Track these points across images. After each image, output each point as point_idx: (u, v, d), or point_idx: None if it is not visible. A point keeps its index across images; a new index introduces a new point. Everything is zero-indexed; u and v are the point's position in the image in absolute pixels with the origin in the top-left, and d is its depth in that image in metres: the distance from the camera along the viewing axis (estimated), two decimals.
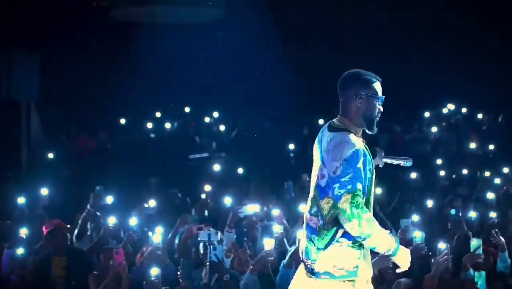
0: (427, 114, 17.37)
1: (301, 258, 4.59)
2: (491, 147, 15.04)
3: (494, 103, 16.99)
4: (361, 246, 4.36)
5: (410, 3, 17.87)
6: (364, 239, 4.23)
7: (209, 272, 7.78)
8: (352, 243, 4.33)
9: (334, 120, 4.50)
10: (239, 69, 17.10)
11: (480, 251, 7.83)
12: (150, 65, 16.67)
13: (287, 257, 7.71)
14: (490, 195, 10.66)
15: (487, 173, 12.93)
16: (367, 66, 4.68)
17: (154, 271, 7.60)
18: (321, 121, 17.10)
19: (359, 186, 4.21)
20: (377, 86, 4.48)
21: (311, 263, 4.43)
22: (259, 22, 17.43)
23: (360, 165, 4.25)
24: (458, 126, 16.74)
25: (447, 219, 9.69)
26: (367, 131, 4.49)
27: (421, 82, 17.38)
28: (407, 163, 4.76)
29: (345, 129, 4.40)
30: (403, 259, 4.39)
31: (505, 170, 12.61)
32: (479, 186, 11.91)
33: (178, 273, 8.26)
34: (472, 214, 9.55)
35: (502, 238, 8.22)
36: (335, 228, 4.31)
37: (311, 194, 4.47)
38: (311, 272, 4.45)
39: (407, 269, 4.47)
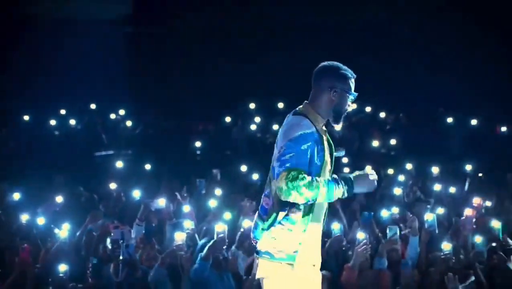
0: None
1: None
2: (393, 142, 15.36)
3: (396, 103, 17.44)
4: (304, 231, 4.41)
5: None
6: (314, 200, 4.27)
7: (122, 269, 7.72)
8: (294, 227, 4.38)
9: (300, 106, 4.54)
10: (146, 66, 16.99)
11: (396, 237, 8.03)
12: (55, 61, 16.32)
13: (205, 250, 7.71)
14: (398, 191, 10.90)
15: (391, 171, 13.16)
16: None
17: (62, 268, 7.47)
18: (228, 119, 17.23)
19: (299, 165, 4.25)
20: (352, 82, 4.55)
21: (256, 241, 4.53)
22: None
23: (305, 147, 4.30)
24: (359, 125, 17.05)
25: (355, 213, 9.88)
26: (332, 123, 4.55)
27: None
28: (340, 153, 4.81)
29: (304, 115, 4.44)
30: (363, 185, 4.37)
31: (408, 166, 12.88)
32: (384, 184, 12.12)
33: (88, 271, 8.12)
34: (384, 213, 9.70)
35: (416, 221, 8.44)
36: (278, 209, 4.39)
37: (269, 176, 4.52)
38: (255, 249, 4.54)
39: (372, 188, 4.42)
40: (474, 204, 9.54)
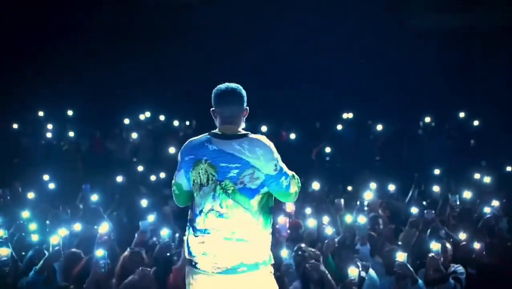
0: (126, 121, 17.68)
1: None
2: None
3: (189, 111, 17.88)
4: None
5: None
6: None
7: None
8: (271, 230, 4.79)
9: (224, 131, 4.74)
10: None
11: None
12: None
13: (41, 263, 7.46)
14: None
15: None
16: None
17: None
18: (15, 126, 16.71)
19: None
20: None
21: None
22: None
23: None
24: (155, 133, 17.25)
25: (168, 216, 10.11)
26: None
27: None
28: None
29: (246, 134, 4.74)
30: None
31: None
32: None
33: None
34: None
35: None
36: (267, 218, 4.73)
37: (229, 202, 4.64)
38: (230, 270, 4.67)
39: None
40: (287, 210, 9.78)
